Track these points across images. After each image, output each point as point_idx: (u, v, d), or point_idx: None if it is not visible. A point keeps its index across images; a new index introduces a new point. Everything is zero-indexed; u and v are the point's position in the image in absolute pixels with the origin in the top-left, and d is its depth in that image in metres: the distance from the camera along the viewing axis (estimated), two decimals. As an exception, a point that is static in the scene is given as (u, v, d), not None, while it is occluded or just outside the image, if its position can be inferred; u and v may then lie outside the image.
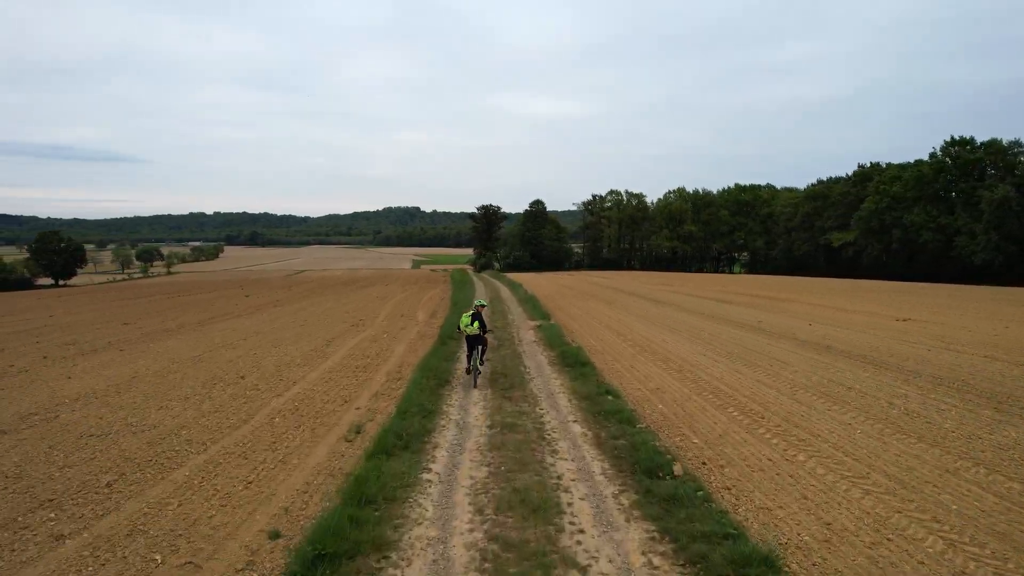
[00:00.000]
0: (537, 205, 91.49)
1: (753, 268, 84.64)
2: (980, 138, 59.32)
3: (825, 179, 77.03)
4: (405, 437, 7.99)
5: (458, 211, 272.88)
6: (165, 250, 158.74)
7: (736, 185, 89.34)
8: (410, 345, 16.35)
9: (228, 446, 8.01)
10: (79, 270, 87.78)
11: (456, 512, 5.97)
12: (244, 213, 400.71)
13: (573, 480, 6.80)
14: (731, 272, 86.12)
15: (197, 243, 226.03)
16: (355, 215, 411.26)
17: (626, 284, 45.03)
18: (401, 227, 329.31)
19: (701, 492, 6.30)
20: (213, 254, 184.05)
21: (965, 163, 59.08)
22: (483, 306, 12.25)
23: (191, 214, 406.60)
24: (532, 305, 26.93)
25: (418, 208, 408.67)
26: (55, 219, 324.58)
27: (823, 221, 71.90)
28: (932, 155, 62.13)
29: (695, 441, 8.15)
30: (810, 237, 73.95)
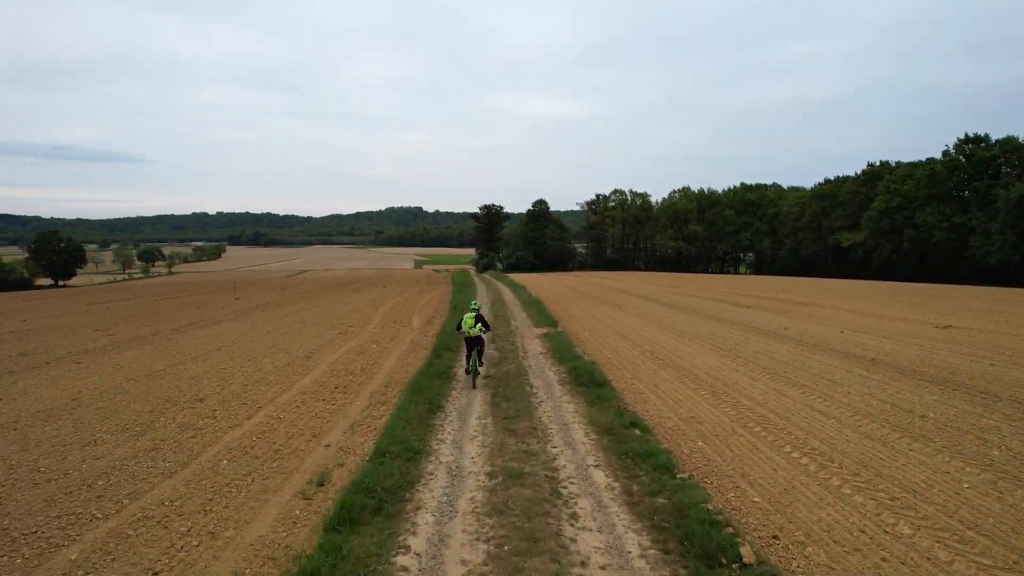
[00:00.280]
0: (540, 205, 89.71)
1: (759, 269, 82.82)
2: (995, 136, 57.45)
3: (833, 178, 75.25)
4: (380, 494, 6.15)
5: (460, 211, 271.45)
6: (167, 250, 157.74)
7: (742, 184, 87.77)
8: (400, 359, 14.50)
9: (149, 505, 6.18)
10: (79, 270, 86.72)
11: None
12: (247, 213, 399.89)
13: (603, 570, 4.95)
14: (736, 273, 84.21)
15: (200, 243, 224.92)
16: (358, 215, 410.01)
17: (633, 286, 43.11)
18: (404, 227, 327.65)
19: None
20: (215, 254, 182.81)
21: (980, 161, 57.15)
22: (478, 308, 12.17)
23: (194, 214, 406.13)
24: (537, 309, 25.07)
25: (421, 208, 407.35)
26: (58, 219, 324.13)
27: (831, 221, 70.22)
28: (945, 153, 60.27)
29: (756, 500, 6.29)
30: (818, 237, 72.24)
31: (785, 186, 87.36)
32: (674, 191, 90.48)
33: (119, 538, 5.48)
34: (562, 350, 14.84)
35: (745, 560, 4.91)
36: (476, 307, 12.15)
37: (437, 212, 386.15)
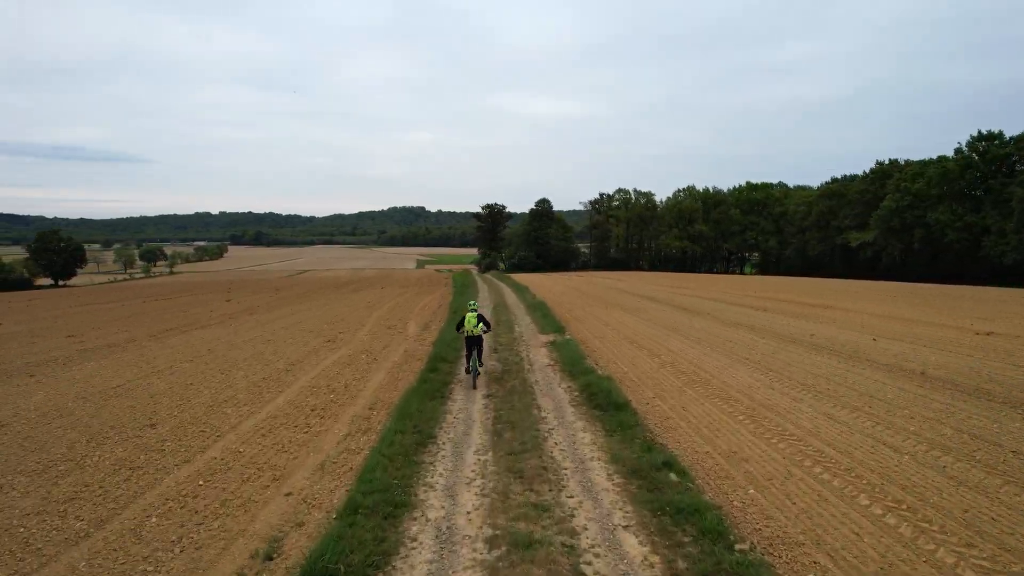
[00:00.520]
0: (543, 204, 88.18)
1: (765, 269, 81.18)
2: (1009, 132, 55.68)
3: (840, 177, 73.51)
4: (344, 574, 4.59)
5: (463, 211, 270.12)
6: (169, 250, 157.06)
7: (748, 184, 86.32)
8: (391, 372, 12.93)
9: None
10: (79, 270, 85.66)
11: None
12: (249, 213, 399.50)
13: None
14: (742, 272, 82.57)
15: (202, 243, 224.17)
16: (360, 215, 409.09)
17: (639, 286, 41.49)
18: (406, 227, 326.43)
19: None
20: (217, 254, 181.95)
21: (994, 159, 55.40)
22: (477, 308, 12.14)
23: (196, 214, 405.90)
24: (542, 313, 23.49)
25: (423, 208, 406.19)
26: (62, 219, 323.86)
27: (839, 220, 68.67)
28: (957, 151, 58.54)
29: (846, 586, 4.72)
30: (825, 237, 70.65)
31: (790, 185, 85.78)
32: (679, 190, 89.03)
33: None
34: (572, 362, 13.26)
35: None
36: (474, 307, 12.10)
37: (440, 212, 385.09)
